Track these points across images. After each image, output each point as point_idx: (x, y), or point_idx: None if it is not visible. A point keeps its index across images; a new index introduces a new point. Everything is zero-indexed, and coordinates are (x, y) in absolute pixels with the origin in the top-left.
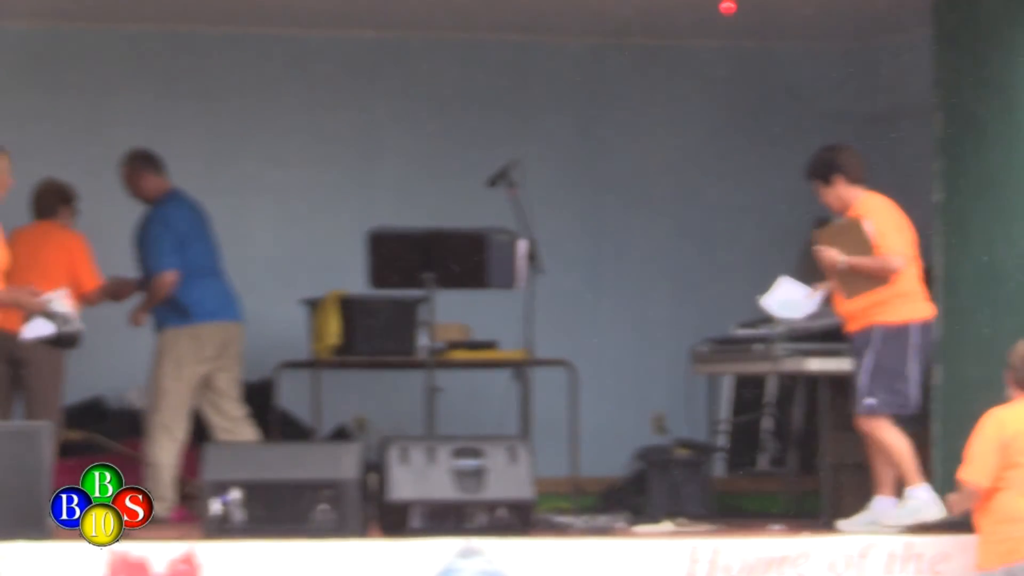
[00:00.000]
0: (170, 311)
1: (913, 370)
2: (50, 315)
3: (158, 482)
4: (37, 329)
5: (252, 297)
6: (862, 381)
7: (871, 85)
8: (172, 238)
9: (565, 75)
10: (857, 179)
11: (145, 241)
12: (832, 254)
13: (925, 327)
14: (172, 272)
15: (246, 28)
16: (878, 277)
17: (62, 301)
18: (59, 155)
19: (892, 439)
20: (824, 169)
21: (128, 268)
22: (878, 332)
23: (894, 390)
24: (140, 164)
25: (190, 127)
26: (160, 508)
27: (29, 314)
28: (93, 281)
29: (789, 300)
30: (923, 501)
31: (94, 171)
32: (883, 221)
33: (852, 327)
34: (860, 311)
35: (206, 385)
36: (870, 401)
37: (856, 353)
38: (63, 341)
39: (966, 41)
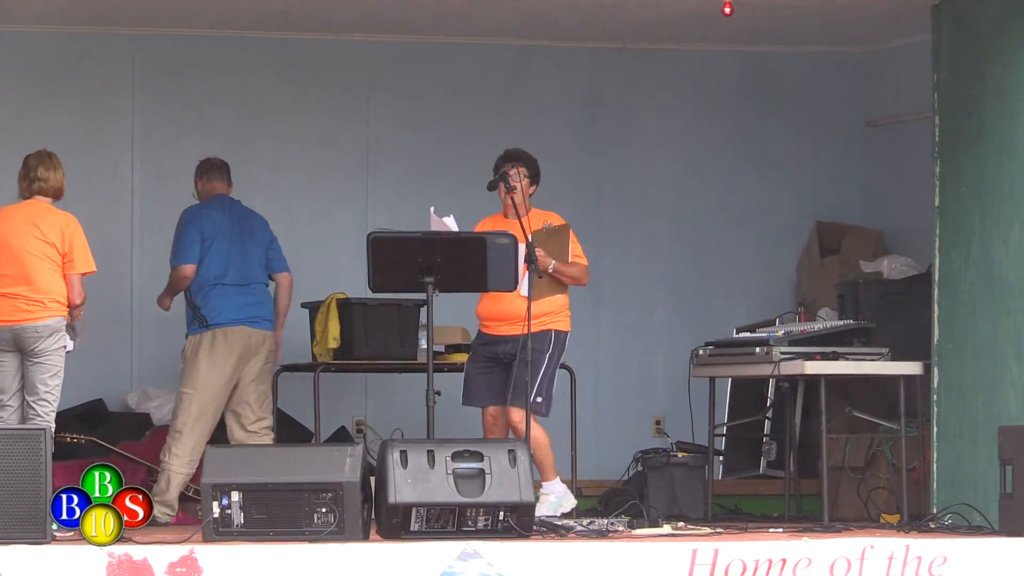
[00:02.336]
0: (192, 317)
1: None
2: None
3: (167, 488)
4: (68, 344)
5: None
6: (536, 380)
7: (870, 90)
8: (195, 234)
9: (565, 80)
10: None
11: (174, 237)
12: (546, 258)
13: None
14: (188, 266)
15: (245, 32)
16: (574, 283)
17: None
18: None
19: (542, 434)
20: (538, 175)
21: (130, 268)
22: (555, 338)
23: (550, 394)
24: (197, 171)
25: (190, 131)
26: (160, 513)
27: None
28: None
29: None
30: (560, 494)
31: (95, 175)
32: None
33: (522, 329)
34: (542, 314)
35: (233, 391)
36: (539, 400)
37: (533, 353)
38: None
39: (965, 46)
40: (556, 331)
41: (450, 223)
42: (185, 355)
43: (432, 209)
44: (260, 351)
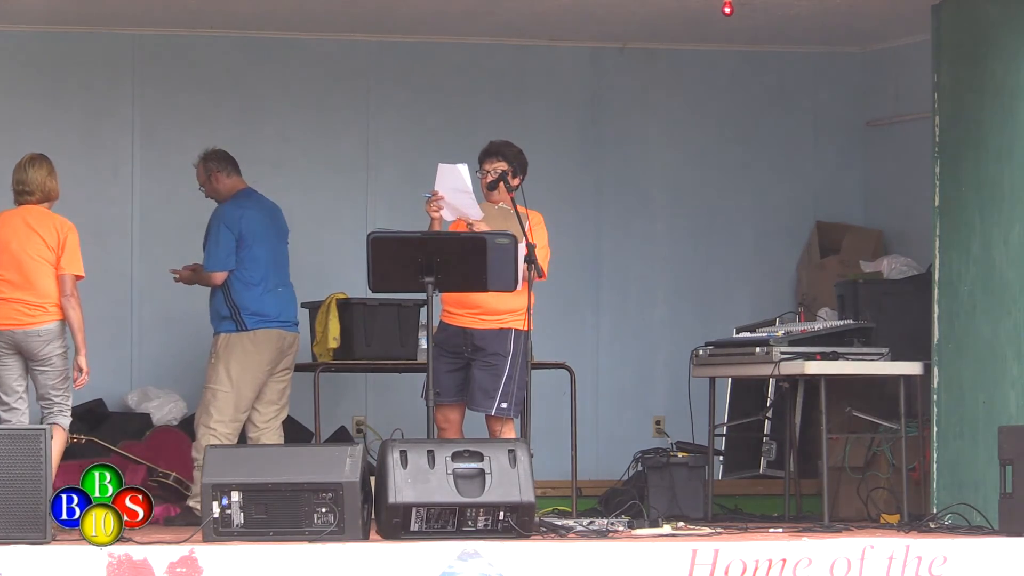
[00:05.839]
0: (227, 316)
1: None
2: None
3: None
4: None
5: None
6: (499, 385)
7: (870, 90)
8: (230, 239)
9: (565, 80)
10: None
11: (206, 237)
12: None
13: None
14: (220, 274)
15: (245, 32)
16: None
17: None
18: (57, 159)
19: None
20: (523, 167)
21: (130, 268)
22: (515, 337)
23: (519, 397)
24: (213, 164)
25: (189, 131)
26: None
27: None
28: None
29: (456, 182)
30: None
31: (95, 175)
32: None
33: (480, 324)
34: (502, 312)
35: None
36: (504, 405)
37: (494, 356)
38: None
39: (965, 46)
40: (516, 330)
41: (463, 171)
42: (217, 351)
43: (440, 165)
44: (289, 352)
